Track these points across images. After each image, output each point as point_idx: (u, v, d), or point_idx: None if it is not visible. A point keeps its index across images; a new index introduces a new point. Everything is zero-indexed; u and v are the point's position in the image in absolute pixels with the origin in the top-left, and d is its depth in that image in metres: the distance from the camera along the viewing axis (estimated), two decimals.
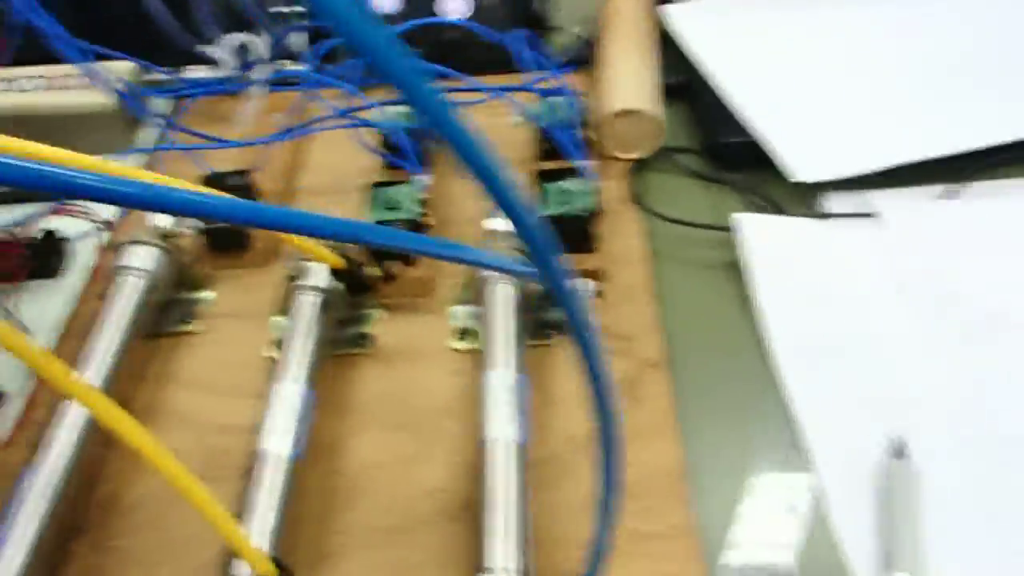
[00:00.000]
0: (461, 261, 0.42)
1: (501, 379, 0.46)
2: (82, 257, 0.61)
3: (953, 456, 0.45)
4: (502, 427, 0.43)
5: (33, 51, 0.72)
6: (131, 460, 0.49)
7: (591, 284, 0.53)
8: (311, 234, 0.28)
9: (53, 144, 0.65)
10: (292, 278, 0.52)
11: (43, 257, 0.59)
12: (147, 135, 0.71)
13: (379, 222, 0.56)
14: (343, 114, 0.58)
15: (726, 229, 0.58)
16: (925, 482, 0.44)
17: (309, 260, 0.52)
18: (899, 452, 0.45)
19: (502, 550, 0.39)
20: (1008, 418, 0.47)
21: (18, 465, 0.49)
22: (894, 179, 0.60)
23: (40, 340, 0.56)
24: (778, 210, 0.60)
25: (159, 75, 0.72)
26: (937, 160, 0.60)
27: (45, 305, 0.58)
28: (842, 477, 0.45)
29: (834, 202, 0.60)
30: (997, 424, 0.47)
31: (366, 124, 0.59)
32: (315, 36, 0.75)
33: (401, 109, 0.61)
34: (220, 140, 0.62)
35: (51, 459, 0.44)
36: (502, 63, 0.69)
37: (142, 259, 0.54)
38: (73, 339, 0.56)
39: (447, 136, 0.21)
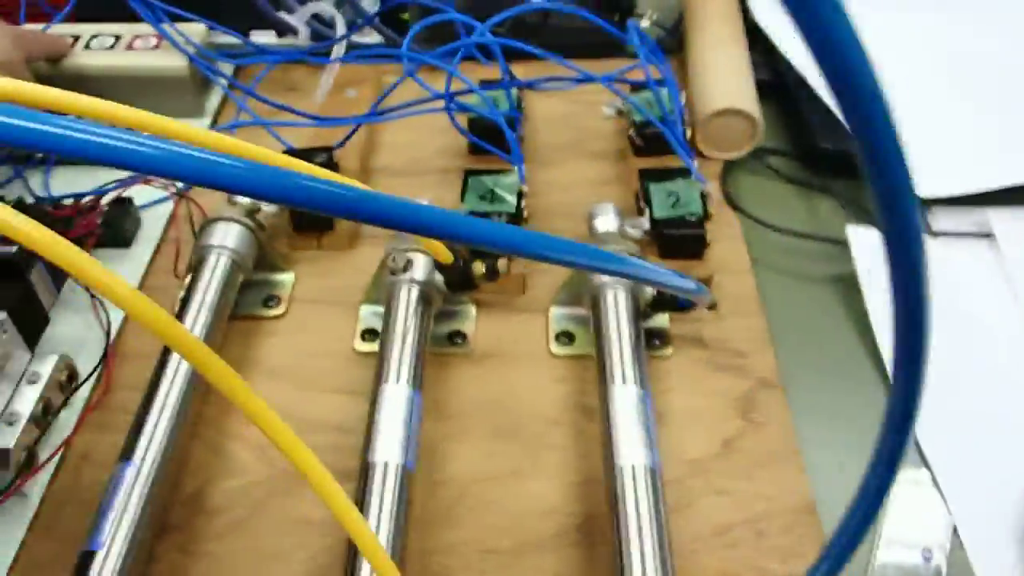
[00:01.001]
0: (631, 277, 0.36)
1: (626, 395, 0.41)
2: (152, 227, 0.55)
3: None
4: (636, 452, 0.38)
5: (92, 5, 0.65)
6: (217, 456, 0.44)
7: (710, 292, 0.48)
8: (483, 244, 0.23)
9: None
10: (392, 270, 0.46)
11: (115, 226, 0.53)
12: (214, 99, 0.65)
13: (474, 212, 0.50)
14: (442, 97, 0.52)
15: (835, 241, 0.53)
16: None
17: (411, 250, 0.46)
18: None
19: None
20: None
21: (90, 446, 0.44)
22: (1008, 196, 0.55)
23: (113, 312, 0.50)
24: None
25: (228, 38, 0.66)
26: None
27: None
28: (978, 522, 0.41)
29: (941, 218, 0.55)
30: None
31: (464, 108, 0.53)
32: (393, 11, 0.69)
33: (497, 94, 0.55)
34: (317, 117, 0.56)
35: (145, 450, 0.39)
36: (577, 50, 0.63)
37: (230, 237, 0.48)
38: None
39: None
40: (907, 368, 0.22)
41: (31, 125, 0.19)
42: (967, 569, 0.39)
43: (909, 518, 0.42)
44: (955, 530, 0.41)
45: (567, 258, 0.27)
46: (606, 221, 0.48)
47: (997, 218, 0.54)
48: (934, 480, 0.42)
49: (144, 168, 0.20)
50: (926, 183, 0.55)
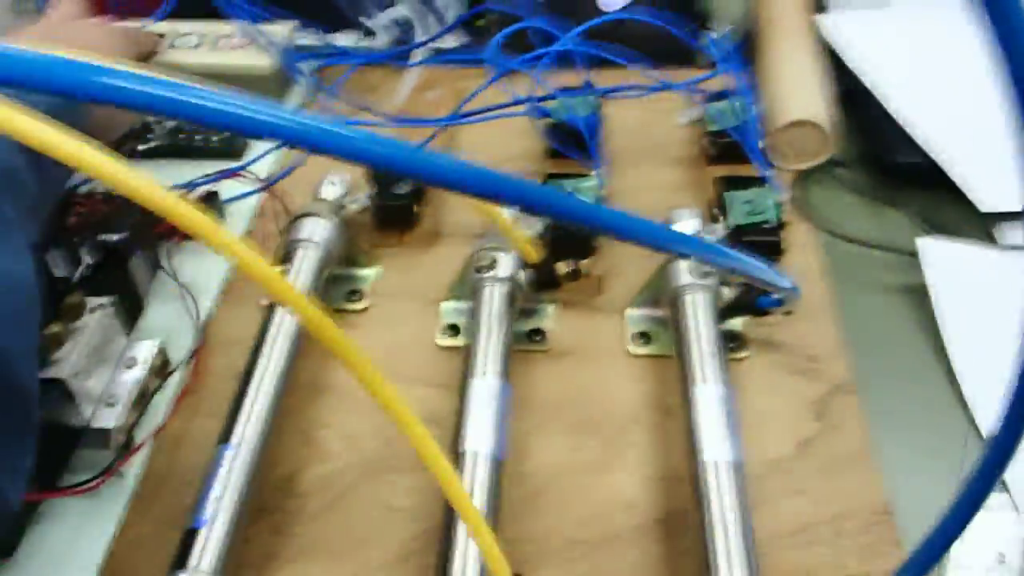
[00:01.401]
0: (729, 269, 0.37)
1: (709, 394, 0.41)
2: (237, 221, 0.57)
3: None
4: (721, 448, 0.39)
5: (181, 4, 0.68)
6: (306, 444, 0.45)
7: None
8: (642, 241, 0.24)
9: None
10: (478, 268, 0.47)
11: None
12: (296, 98, 0.67)
13: None
14: (525, 102, 0.53)
15: (906, 252, 0.53)
16: None
17: (496, 249, 0.47)
18: None
19: None
20: None
21: (183, 430, 0.46)
22: None
23: (200, 301, 0.51)
24: (949, 236, 0.56)
25: (311, 39, 0.67)
26: None
27: (202, 266, 0.54)
28: None
29: (1009, 230, 0.55)
30: None
31: (546, 114, 0.55)
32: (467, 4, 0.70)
33: (580, 100, 0.56)
34: (401, 119, 0.57)
35: (242, 434, 0.41)
36: (652, 58, 0.64)
37: (319, 232, 0.50)
38: (232, 304, 0.52)
39: None
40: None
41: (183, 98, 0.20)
42: None
43: (983, 524, 0.42)
44: None
45: (681, 248, 0.28)
46: (684, 227, 0.49)
47: None
48: (1007, 488, 0.43)
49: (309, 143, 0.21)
50: (992, 197, 0.55)
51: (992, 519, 0.42)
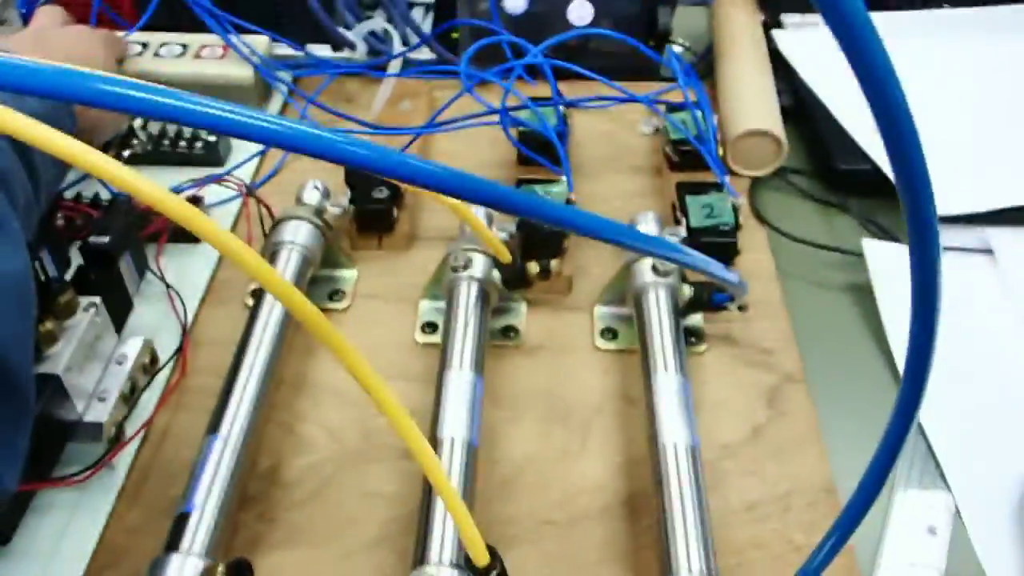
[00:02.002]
0: (684, 264, 0.40)
1: (669, 382, 0.44)
2: (223, 223, 0.59)
3: None
4: (678, 431, 0.42)
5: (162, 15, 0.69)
6: (289, 436, 0.47)
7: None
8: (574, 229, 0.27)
9: None
10: (454, 267, 0.50)
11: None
12: (275, 107, 0.68)
13: (526, 220, 0.54)
14: (497, 111, 0.55)
15: (852, 253, 0.57)
16: None
17: (471, 250, 0.50)
18: None
19: (691, 554, 0.37)
20: None
21: (169, 424, 0.47)
22: (1008, 216, 0.59)
23: (187, 301, 0.53)
24: (892, 237, 0.59)
25: (288, 50, 0.69)
26: None
27: (187, 267, 0.56)
28: (979, 504, 0.45)
29: (948, 233, 0.59)
30: None
31: (517, 123, 0.57)
32: (438, 18, 0.73)
33: (548, 110, 0.59)
34: (377, 127, 0.59)
35: (230, 425, 0.43)
36: (617, 71, 0.67)
37: (300, 235, 0.52)
38: (215, 304, 0.54)
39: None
40: (915, 359, 0.25)
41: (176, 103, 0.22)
42: (968, 545, 0.43)
43: (916, 501, 0.45)
44: (957, 511, 0.44)
45: (638, 245, 0.31)
46: (646, 229, 0.52)
47: (996, 236, 0.58)
48: (939, 469, 0.46)
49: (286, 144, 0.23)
50: (937, 203, 0.59)
51: (924, 496, 0.45)
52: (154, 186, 0.27)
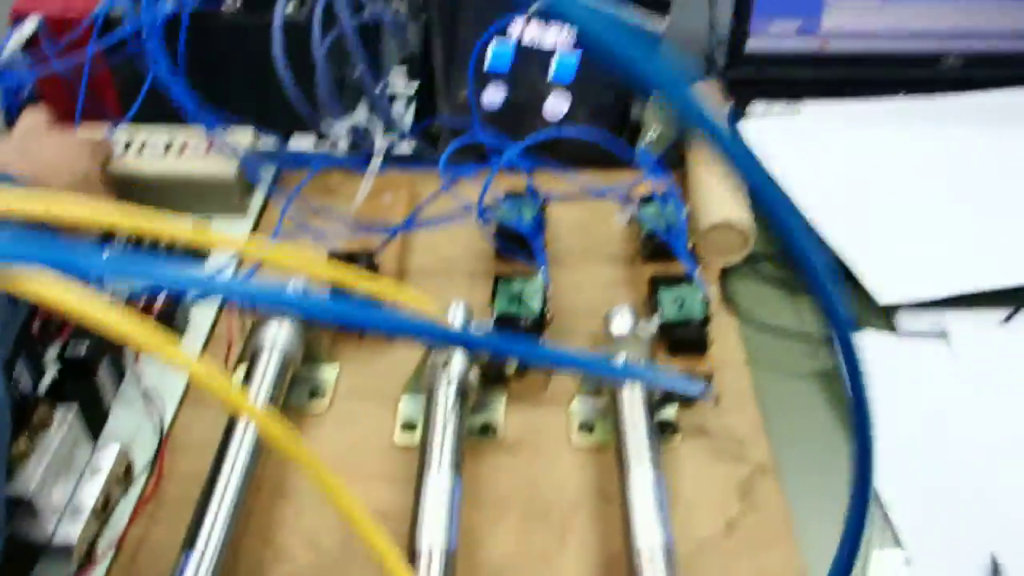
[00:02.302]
0: (646, 382, 0.41)
1: (643, 478, 0.45)
2: (202, 321, 0.59)
3: None
4: (653, 532, 0.42)
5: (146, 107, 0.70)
6: (267, 544, 0.47)
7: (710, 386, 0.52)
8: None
9: (174, 206, 0.64)
10: (432, 365, 0.50)
11: (168, 321, 0.57)
12: (258, 200, 0.70)
13: (504, 314, 0.55)
14: (477, 209, 0.57)
15: (819, 340, 0.58)
16: None
17: (450, 348, 0.51)
18: (995, 572, 0.45)
19: None
20: None
21: (142, 538, 0.47)
22: (962, 299, 0.61)
23: (164, 405, 0.53)
24: (857, 324, 0.61)
25: (270, 143, 0.71)
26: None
27: (165, 370, 0.55)
28: None
29: (906, 318, 0.61)
30: None
31: (495, 220, 0.59)
32: (419, 110, 0.75)
33: (524, 206, 0.61)
34: (359, 224, 0.60)
35: (206, 540, 0.42)
36: (590, 161, 0.69)
37: (281, 336, 0.52)
38: (194, 406, 0.54)
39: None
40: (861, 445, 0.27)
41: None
42: None
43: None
44: None
45: (596, 370, 0.32)
46: (621, 322, 0.53)
47: (952, 319, 0.59)
48: (905, 552, 0.47)
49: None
50: (889, 290, 0.61)
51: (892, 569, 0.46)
52: (113, 313, 0.28)
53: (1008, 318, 0.61)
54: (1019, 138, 0.77)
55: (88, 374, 0.50)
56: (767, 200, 0.24)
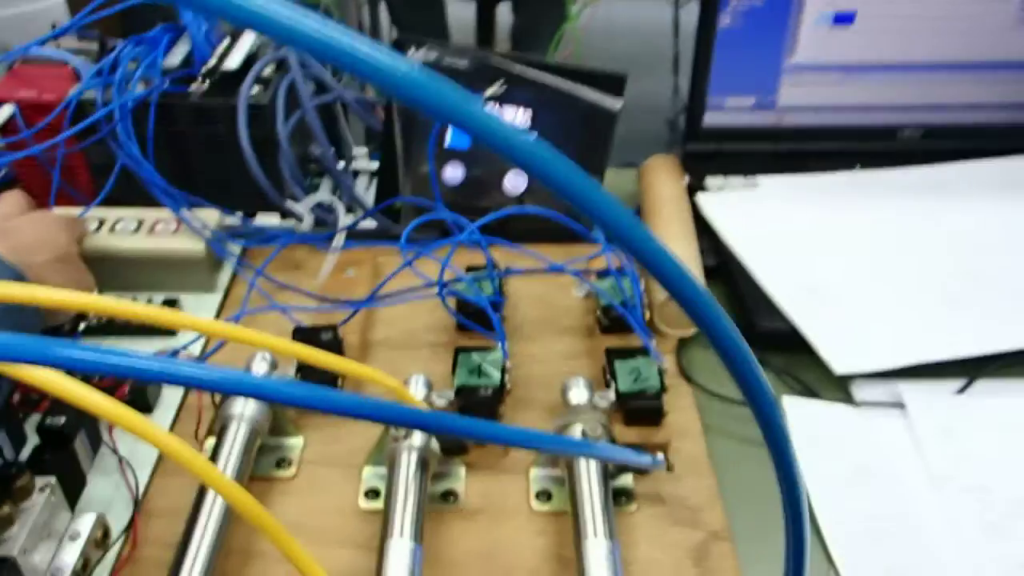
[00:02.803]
0: (596, 458, 0.46)
1: (598, 548, 0.50)
2: (172, 393, 0.65)
3: None
4: None
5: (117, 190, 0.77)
6: None
7: (662, 457, 0.58)
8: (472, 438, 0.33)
9: (145, 282, 0.71)
10: (395, 436, 0.56)
11: (139, 393, 0.62)
12: (225, 276, 0.75)
13: (464, 385, 0.60)
14: (434, 285, 0.63)
15: None
16: None
17: None
18: None
19: None
20: None
21: None
22: (917, 368, 0.67)
23: (139, 472, 0.58)
24: (812, 392, 0.67)
25: (235, 222, 0.77)
26: None
27: (139, 440, 0.61)
28: None
29: (862, 388, 0.67)
30: None
31: (455, 294, 0.65)
32: (381, 186, 0.81)
33: (484, 281, 0.67)
34: (323, 299, 0.66)
35: None
36: (551, 234, 0.76)
37: (248, 407, 0.58)
38: (167, 474, 0.59)
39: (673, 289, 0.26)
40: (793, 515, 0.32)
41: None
42: None
43: None
44: None
45: (547, 447, 0.38)
46: (578, 394, 0.59)
47: (907, 390, 0.66)
48: None
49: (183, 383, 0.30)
50: (845, 360, 0.67)
51: None
52: (85, 392, 0.34)
53: (963, 389, 0.67)
54: (977, 210, 0.84)
55: (66, 444, 0.55)
56: (674, 284, 0.29)
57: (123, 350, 0.29)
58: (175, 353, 0.64)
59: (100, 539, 0.54)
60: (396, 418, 0.31)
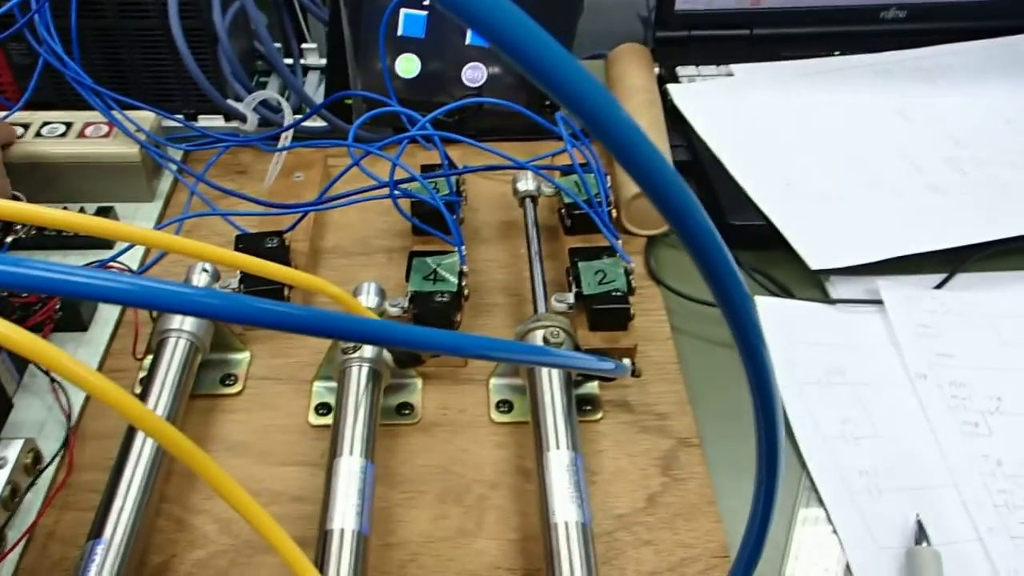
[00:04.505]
0: (555, 366, 0.43)
1: (559, 459, 0.47)
2: (108, 310, 0.60)
3: (971, 539, 0.48)
4: (568, 510, 0.44)
5: (46, 92, 0.71)
6: (181, 530, 0.49)
7: (629, 362, 0.54)
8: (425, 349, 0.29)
9: (78, 192, 0.65)
10: (344, 349, 0.52)
11: (72, 311, 0.58)
12: (165, 183, 0.70)
13: (419, 292, 0.56)
14: (386, 185, 0.58)
15: None
16: (947, 566, 0.47)
17: None
18: (920, 538, 0.48)
19: None
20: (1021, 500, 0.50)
21: (53, 527, 0.48)
22: (895, 264, 0.63)
23: (72, 393, 0.54)
24: (785, 290, 0.63)
25: (175, 124, 0.71)
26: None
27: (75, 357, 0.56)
28: (868, 559, 0.48)
29: (839, 286, 0.63)
30: (1012, 510, 0.50)
31: (408, 195, 0.60)
32: (330, 83, 0.75)
33: (439, 180, 0.62)
34: (273, 204, 0.61)
35: (114, 528, 0.44)
36: (512, 131, 0.71)
37: (188, 321, 0.53)
38: None
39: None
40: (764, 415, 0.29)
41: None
42: None
43: (809, 557, 0.49)
44: (848, 567, 0.48)
45: (502, 355, 0.34)
46: (367, 300, 0.55)
47: (885, 286, 0.62)
48: (830, 521, 0.50)
49: (119, 301, 0.26)
50: (821, 256, 0.63)
51: (818, 553, 0.49)
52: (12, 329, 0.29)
53: (942, 284, 0.64)
54: (960, 95, 0.80)
55: None
56: (642, 162, 0.24)
57: (47, 261, 0.25)
58: (104, 265, 0.59)
59: (30, 465, 0.50)
60: (342, 331, 0.27)
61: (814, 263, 0.63)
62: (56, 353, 0.29)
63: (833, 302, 0.62)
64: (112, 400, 0.30)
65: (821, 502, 0.51)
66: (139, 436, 0.48)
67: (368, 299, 0.55)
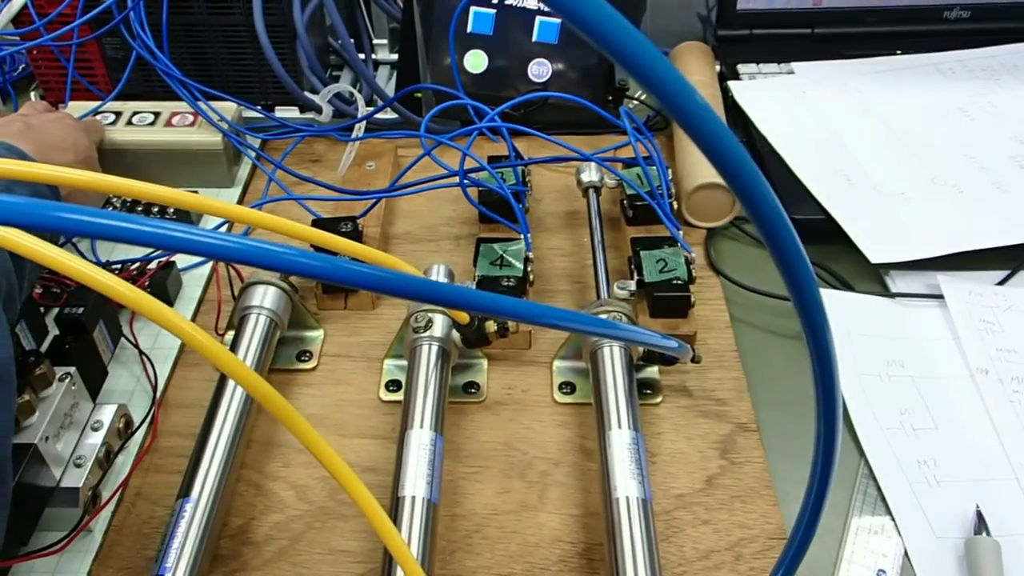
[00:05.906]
0: (621, 339, 0.43)
1: (621, 438, 0.48)
2: (192, 287, 0.63)
3: None
4: (630, 486, 0.45)
5: (135, 84, 0.74)
6: (260, 495, 0.51)
7: (691, 349, 0.55)
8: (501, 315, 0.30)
9: (162, 177, 0.68)
10: (415, 328, 0.53)
11: (159, 288, 0.60)
12: (244, 170, 0.73)
13: (486, 277, 0.58)
14: (456, 174, 0.60)
15: None
16: (1007, 557, 0.47)
17: (431, 311, 0.54)
18: (979, 528, 0.48)
19: None
20: None
21: (141, 487, 0.51)
22: (955, 260, 0.63)
23: (159, 366, 0.57)
24: (845, 284, 0.63)
25: (255, 115, 0.74)
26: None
27: (160, 332, 0.59)
28: (927, 548, 0.48)
29: (898, 280, 0.63)
30: None
31: (476, 184, 0.61)
32: (402, 77, 0.77)
33: (506, 170, 0.63)
34: (347, 191, 0.63)
35: (200, 488, 0.46)
36: (576, 124, 0.72)
37: (268, 299, 0.56)
38: (187, 367, 0.58)
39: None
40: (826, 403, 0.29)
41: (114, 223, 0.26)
42: None
43: (865, 544, 0.49)
44: (906, 554, 0.48)
45: (573, 326, 0.35)
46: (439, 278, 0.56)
47: (946, 281, 0.62)
48: (890, 513, 0.50)
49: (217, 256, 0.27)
50: (881, 250, 0.63)
51: (875, 540, 0.49)
52: (106, 276, 0.31)
53: (1004, 280, 0.63)
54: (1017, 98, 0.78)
55: (84, 333, 0.53)
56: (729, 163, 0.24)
57: (142, 217, 0.26)
58: None
59: (122, 429, 0.52)
60: (420, 292, 0.28)
61: (874, 257, 0.63)
62: (161, 307, 0.31)
63: (893, 296, 0.62)
64: (209, 352, 0.31)
65: (879, 490, 0.51)
66: (223, 404, 0.50)
67: (438, 280, 0.56)
